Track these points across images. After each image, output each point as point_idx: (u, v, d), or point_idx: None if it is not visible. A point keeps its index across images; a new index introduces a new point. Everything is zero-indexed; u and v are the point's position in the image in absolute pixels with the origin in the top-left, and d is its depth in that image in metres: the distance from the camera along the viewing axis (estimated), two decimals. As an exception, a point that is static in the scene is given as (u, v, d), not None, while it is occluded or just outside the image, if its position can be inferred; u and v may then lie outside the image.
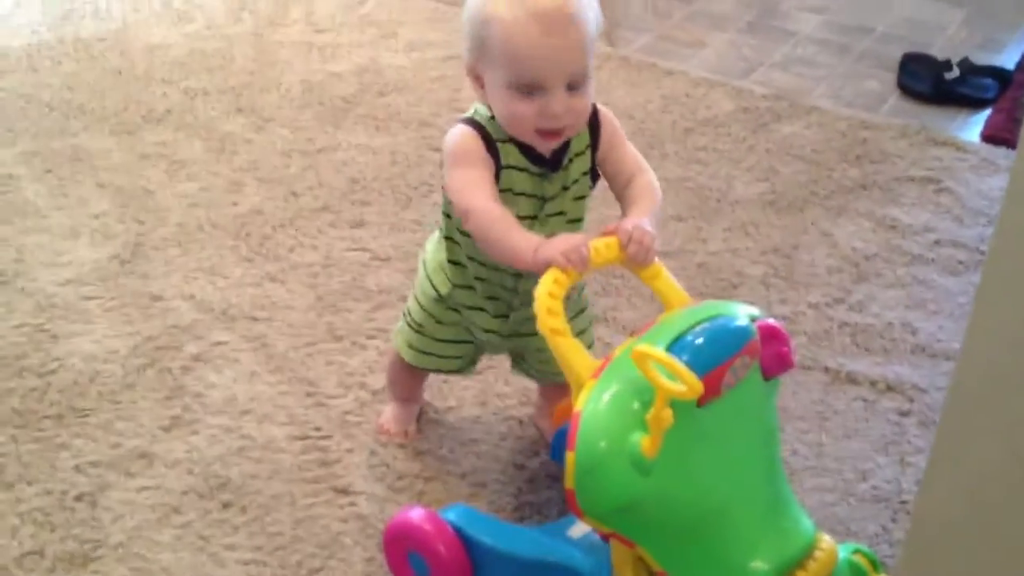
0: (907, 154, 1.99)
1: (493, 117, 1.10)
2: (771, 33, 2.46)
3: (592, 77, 1.07)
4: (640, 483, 0.91)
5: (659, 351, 0.91)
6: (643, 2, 2.49)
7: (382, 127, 2.00)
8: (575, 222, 1.14)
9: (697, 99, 2.14)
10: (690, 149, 1.97)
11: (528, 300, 1.02)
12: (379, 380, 1.42)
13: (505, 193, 1.10)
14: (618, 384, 0.95)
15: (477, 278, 1.16)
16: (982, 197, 1.87)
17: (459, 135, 1.10)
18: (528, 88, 1.04)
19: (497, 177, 1.09)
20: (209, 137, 1.94)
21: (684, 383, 0.89)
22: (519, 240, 1.04)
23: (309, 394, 1.40)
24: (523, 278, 1.14)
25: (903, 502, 1.27)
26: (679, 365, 0.90)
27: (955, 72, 2.22)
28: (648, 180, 1.13)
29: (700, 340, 0.97)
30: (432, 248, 1.21)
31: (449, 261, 1.17)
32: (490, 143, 1.09)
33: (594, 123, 1.12)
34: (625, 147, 1.14)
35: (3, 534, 1.19)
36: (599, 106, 1.13)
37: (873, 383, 1.45)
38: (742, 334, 0.99)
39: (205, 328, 1.50)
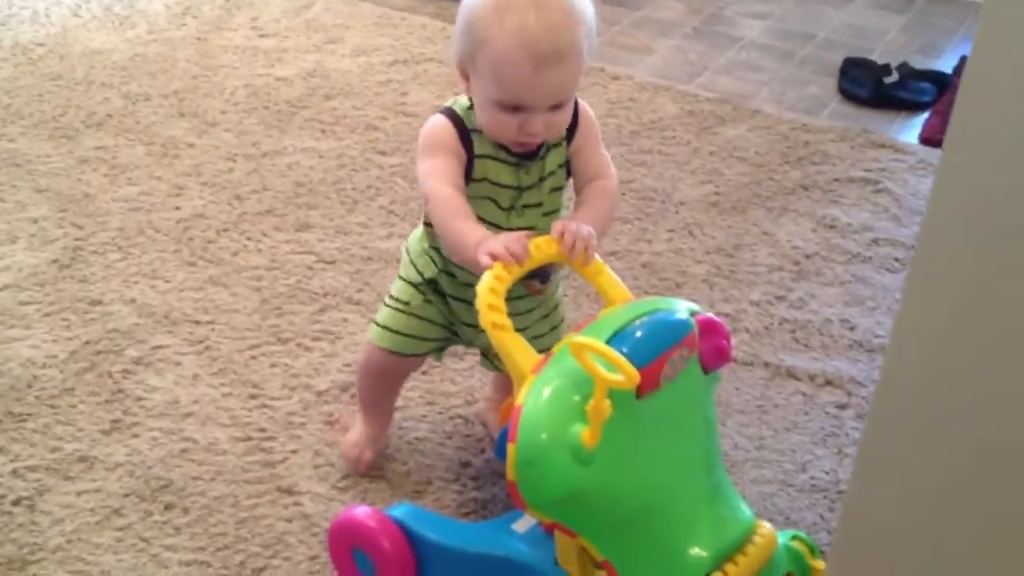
0: (847, 156, 2.03)
1: (471, 107, 1.10)
2: (716, 39, 2.51)
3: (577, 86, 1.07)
4: (581, 473, 0.92)
5: (597, 342, 0.92)
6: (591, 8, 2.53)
7: (328, 131, 1.99)
8: (552, 214, 1.14)
9: (643, 103, 2.16)
10: (636, 152, 1.99)
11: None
12: (324, 382, 1.41)
13: (482, 183, 1.10)
14: (558, 378, 0.95)
15: (455, 265, 1.14)
16: (918, 197, 1.91)
17: (433, 125, 1.11)
18: (512, 108, 1.05)
19: (471, 166, 1.10)
20: (151, 142, 1.92)
21: (621, 372, 0.90)
22: (466, 231, 1.05)
23: (253, 396, 1.39)
24: None
25: (841, 492, 1.29)
26: (616, 355, 0.91)
27: (894, 76, 2.28)
28: (608, 185, 1.14)
29: (639, 333, 0.98)
30: (415, 237, 1.20)
31: (432, 247, 1.17)
32: (464, 134, 1.10)
33: (574, 118, 1.11)
34: (597, 148, 1.14)
35: (-65, 542, 1.16)
36: (582, 103, 1.13)
37: (812, 377, 1.48)
38: (681, 327, 1.01)
39: (146, 332, 1.48)
